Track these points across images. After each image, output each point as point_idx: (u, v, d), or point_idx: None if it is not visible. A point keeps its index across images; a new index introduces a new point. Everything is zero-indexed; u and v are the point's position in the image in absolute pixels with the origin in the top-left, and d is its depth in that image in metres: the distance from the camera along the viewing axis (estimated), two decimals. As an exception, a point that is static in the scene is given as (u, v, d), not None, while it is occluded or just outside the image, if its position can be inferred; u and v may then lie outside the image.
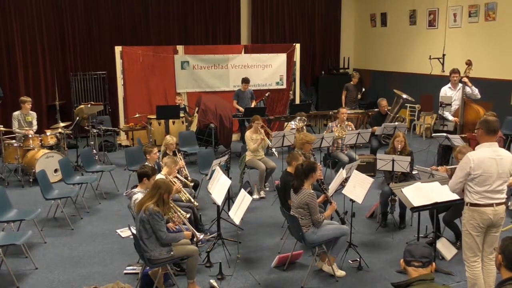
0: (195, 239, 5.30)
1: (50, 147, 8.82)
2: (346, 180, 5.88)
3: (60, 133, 9.15)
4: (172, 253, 4.68)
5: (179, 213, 5.21)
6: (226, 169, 6.74)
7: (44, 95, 11.80)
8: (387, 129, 8.80)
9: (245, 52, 12.02)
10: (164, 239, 4.61)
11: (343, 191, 5.62)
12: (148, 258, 4.61)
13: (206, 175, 6.91)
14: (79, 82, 12.03)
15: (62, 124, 9.25)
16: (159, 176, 5.73)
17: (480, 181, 4.26)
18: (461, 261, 5.40)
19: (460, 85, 8.48)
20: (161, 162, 6.70)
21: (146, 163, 6.34)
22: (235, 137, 11.19)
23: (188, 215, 5.32)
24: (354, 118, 10.89)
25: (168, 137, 7.29)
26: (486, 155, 4.27)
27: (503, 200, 4.34)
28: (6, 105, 10.94)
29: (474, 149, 5.33)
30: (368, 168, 8.24)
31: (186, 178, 6.65)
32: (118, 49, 11.04)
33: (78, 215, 7.05)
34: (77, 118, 9.87)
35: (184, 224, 5.21)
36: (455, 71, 8.58)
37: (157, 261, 4.64)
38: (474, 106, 8.36)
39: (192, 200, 5.99)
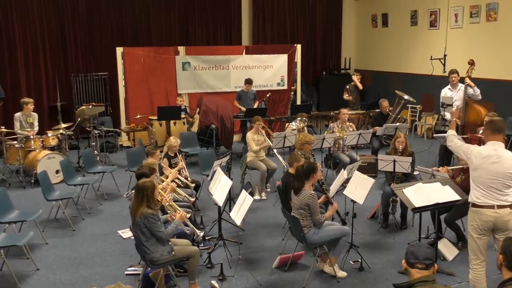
0: (195, 237, 5.31)
1: (52, 148, 8.83)
2: (347, 181, 5.88)
3: (61, 134, 9.17)
4: (173, 253, 4.68)
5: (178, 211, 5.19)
6: (227, 170, 6.74)
7: (45, 96, 11.81)
8: (388, 129, 8.81)
9: (246, 53, 12.03)
10: (164, 238, 4.62)
11: (344, 192, 5.61)
12: (149, 259, 4.62)
13: (207, 176, 6.91)
14: (80, 83, 12.04)
15: (63, 125, 9.27)
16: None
17: (476, 176, 4.30)
18: (463, 261, 5.41)
19: (460, 85, 8.46)
20: (162, 164, 6.70)
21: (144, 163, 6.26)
22: (236, 137, 11.19)
23: (188, 215, 5.31)
24: (355, 119, 10.87)
25: (172, 138, 7.18)
26: (486, 151, 4.31)
27: (508, 203, 4.23)
28: (8, 106, 10.96)
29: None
30: (369, 169, 8.23)
31: (186, 179, 6.64)
32: (119, 50, 11.05)
33: (80, 216, 7.06)
34: (79, 119, 9.89)
35: (186, 225, 5.22)
36: (453, 71, 8.55)
37: (158, 262, 4.64)
38: (475, 106, 8.34)
39: (188, 197, 6.03)
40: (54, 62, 11.92)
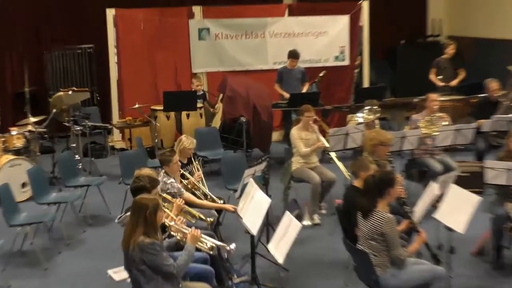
0: (226, 254, 5.30)
1: (17, 152, 8.98)
2: (439, 198, 5.82)
3: (30, 131, 9.30)
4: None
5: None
6: (264, 183, 6.74)
7: (8, 79, 12.07)
8: (499, 123, 8.70)
9: (289, 15, 12.09)
10: (176, 272, 4.57)
11: (436, 215, 5.58)
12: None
13: (235, 191, 6.90)
14: (56, 60, 12.27)
15: (32, 119, 9.41)
16: None
17: None
18: None
19: None
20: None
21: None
22: (276, 136, 11.22)
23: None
24: (450, 108, 10.68)
25: (184, 138, 7.14)
26: None
27: None
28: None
29: None
30: (472, 182, 8.05)
31: (206, 197, 6.65)
32: (110, 12, 11.19)
33: (54, 249, 7.14)
34: (54, 110, 10.01)
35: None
36: None
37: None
38: None
39: (203, 217, 6.04)
40: (20, 33, 12.13)
